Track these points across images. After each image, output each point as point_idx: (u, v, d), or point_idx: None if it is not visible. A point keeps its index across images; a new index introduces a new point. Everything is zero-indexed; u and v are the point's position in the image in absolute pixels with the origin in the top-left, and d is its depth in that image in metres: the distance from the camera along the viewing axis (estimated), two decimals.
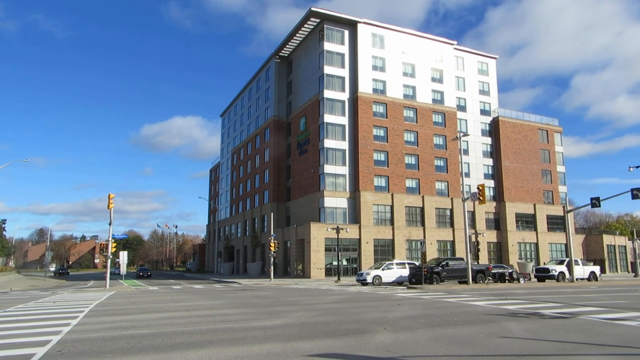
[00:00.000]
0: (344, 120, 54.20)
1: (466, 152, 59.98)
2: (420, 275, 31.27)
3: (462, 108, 62.25)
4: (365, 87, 54.37)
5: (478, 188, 30.39)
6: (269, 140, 64.64)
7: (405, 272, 34.48)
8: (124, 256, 42.95)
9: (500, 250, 61.13)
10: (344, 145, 53.72)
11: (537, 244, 62.53)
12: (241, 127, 79.05)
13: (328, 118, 53.28)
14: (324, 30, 54.79)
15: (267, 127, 65.78)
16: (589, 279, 38.55)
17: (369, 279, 33.66)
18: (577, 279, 37.02)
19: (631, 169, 33.55)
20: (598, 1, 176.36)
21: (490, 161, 63.65)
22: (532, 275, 41.14)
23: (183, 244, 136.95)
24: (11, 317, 14.98)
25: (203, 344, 9.27)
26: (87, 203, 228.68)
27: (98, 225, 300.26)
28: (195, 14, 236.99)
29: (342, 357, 8.02)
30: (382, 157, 53.98)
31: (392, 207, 53.16)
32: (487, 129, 64.36)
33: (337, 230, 41.39)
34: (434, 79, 59.18)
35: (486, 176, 62.60)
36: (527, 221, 62.83)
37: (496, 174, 63.28)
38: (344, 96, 54.60)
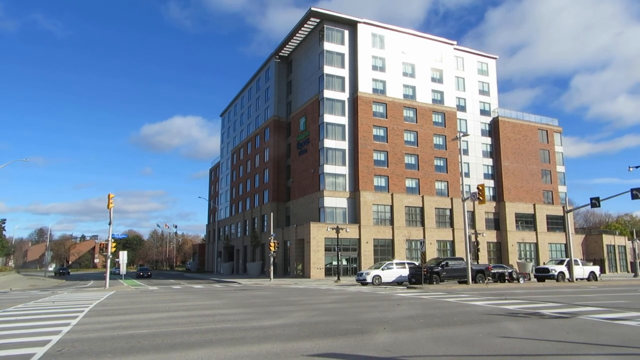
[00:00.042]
0: (344, 120, 54.21)
1: (466, 152, 59.99)
2: (420, 275, 31.28)
3: (462, 108, 62.26)
4: (365, 87, 54.38)
5: (478, 188, 30.39)
6: (269, 140, 64.64)
7: (405, 272, 34.49)
8: (123, 256, 42.94)
9: (500, 250, 61.14)
10: (344, 145, 53.73)
11: (536, 244, 62.54)
12: (241, 127, 79.05)
13: (328, 118, 53.29)
14: (323, 30, 54.79)
15: (267, 127, 65.78)
16: (588, 279, 38.57)
17: (369, 279, 33.67)
18: (576, 279, 37.05)
19: (631, 169, 33.57)
20: (598, 1, 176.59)
21: (490, 161, 63.66)
22: (532, 275, 41.16)
23: (183, 244, 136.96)
24: (11, 317, 14.98)
25: (203, 343, 9.27)
26: (87, 203, 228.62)
27: (98, 225, 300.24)
28: (195, 14, 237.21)
29: (342, 357, 8.02)
30: (382, 157, 53.99)
31: (391, 207, 53.17)
32: (487, 129, 64.38)
33: (337, 230, 41.40)
34: (433, 79, 59.19)
35: (486, 176, 62.62)
36: (527, 221, 62.84)
37: (496, 174, 63.29)
38: (344, 96, 54.61)
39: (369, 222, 51.58)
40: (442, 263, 33.21)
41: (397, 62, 57.01)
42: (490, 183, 62.48)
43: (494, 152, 63.87)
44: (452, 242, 56.19)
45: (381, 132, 54.45)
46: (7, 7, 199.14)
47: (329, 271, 48.64)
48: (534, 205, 63.27)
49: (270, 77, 66.43)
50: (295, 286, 32.76)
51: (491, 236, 60.28)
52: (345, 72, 55.08)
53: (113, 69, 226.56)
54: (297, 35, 59.39)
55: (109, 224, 33.98)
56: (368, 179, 52.54)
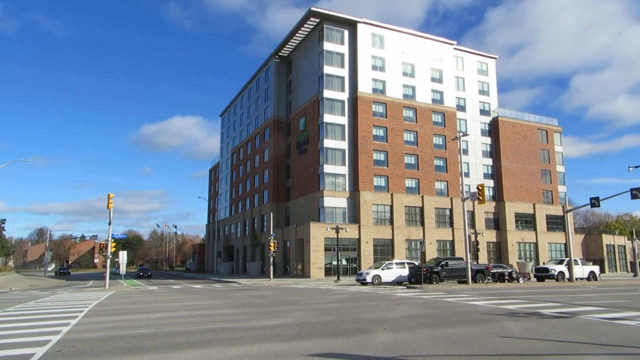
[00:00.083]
0: (344, 120, 54.21)
1: (466, 152, 60.00)
2: (420, 275, 31.29)
3: (461, 108, 62.27)
4: (364, 87, 54.38)
5: (477, 188, 30.39)
6: (269, 140, 64.64)
7: (405, 271, 34.49)
8: (123, 256, 42.93)
9: (499, 250, 61.16)
10: (344, 145, 53.74)
11: (536, 244, 62.56)
12: (241, 127, 79.04)
13: (328, 118, 53.29)
14: (323, 30, 54.78)
15: (267, 127, 65.78)
16: (588, 279, 38.57)
17: (369, 279, 33.67)
18: (576, 279, 37.04)
19: (630, 168, 33.59)
20: (598, 1, 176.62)
21: (489, 161, 63.68)
22: (532, 275, 41.17)
23: (182, 244, 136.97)
24: (11, 317, 14.97)
25: (203, 343, 9.27)
26: (87, 203, 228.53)
27: (97, 225, 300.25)
28: (195, 14, 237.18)
29: (342, 356, 8.02)
30: (381, 157, 54.00)
31: (391, 207, 53.18)
32: (487, 129, 64.39)
33: (337, 230, 41.41)
34: (433, 79, 59.20)
35: (486, 176, 62.63)
36: (527, 221, 62.86)
37: (496, 173, 63.31)
38: (344, 96, 54.61)
39: (369, 222, 51.59)
40: (442, 263, 33.22)
41: (397, 62, 57.02)
42: (490, 183, 62.50)
43: (494, 152, 63.89)
44: (452, 242, 56.20)
45: (381, 132, 54.46)
46: (7, 7, 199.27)
47: (328, 271, 48.65)
48: (534, 205, 63.29)
49: (270, 77, 66.43)
50: (295, 286, 32.76)
51: (491, 236, 60.30)
52: (345, 72, 55.08)
53: (113, 69, 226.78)
54: (297, 35, 59.39)
55: (109, 224, 33.97)
56: (368, 179, 52.55)
